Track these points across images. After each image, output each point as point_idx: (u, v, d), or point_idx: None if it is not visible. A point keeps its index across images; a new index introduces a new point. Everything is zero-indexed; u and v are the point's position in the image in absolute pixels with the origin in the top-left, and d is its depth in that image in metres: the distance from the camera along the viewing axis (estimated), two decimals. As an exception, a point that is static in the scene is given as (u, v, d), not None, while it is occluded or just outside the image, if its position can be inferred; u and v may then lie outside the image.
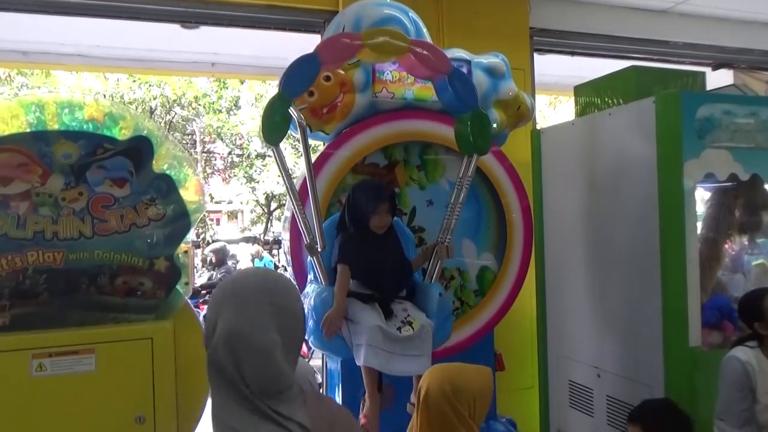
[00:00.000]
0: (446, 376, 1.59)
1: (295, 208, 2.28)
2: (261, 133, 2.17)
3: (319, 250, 2.30)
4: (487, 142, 2.42)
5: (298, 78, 2.16)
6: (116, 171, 2.15)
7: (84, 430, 2.09)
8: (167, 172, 2.24)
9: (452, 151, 2.74)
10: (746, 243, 2.94)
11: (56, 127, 2.15)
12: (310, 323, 2.21)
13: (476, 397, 1.57)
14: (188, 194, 2.28)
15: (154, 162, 2.21)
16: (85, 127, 2.17)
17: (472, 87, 2.44)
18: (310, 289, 2.36)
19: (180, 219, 2.24)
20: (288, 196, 2.29)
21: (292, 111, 2.26)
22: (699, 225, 2.65)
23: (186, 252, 2.32)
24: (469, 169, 2.44)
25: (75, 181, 2.13)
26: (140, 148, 2.17)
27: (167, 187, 2.21)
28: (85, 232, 2.14)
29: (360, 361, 2.12)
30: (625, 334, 2.58)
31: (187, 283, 2.34)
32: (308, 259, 2.40)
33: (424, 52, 2.30)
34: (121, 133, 2.20)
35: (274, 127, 2.14)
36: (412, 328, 2.15)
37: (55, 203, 2.11)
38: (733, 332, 2.56)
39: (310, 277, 2.44)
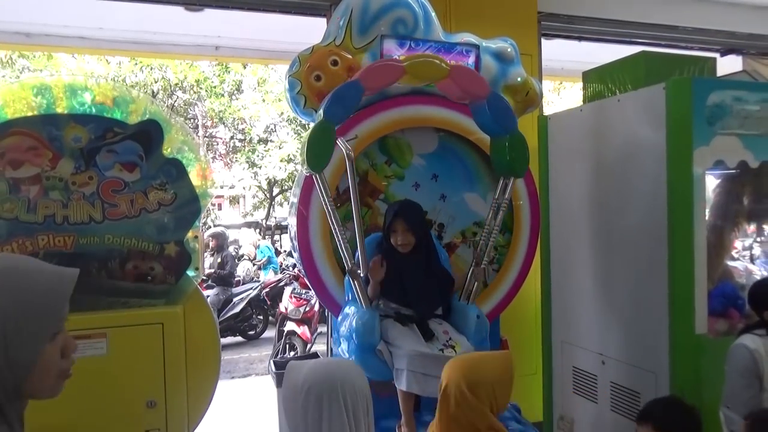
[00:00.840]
0: (463, 371, 1.60)
1: (337, 233, 2.27)
2: (304, 160, 2.19)
3: (361, 275, 2.30)
4: (524, 166, 2.46)
5: (341, 104, 2.18)
6: (126, 155, 2.14)
7: (95, 414, 2.11)
8: (177, 156, 2.23)
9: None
10: (754, 231, 2.94)
11: (63, 110, 2.14)
12: (352, 345, 2.23)
13: (495, 386, 1.58)
14: (197, 179, 2.28)
15: (163, 146, 2.20)
16: (93, 110, 2.16)
17: (510, 111, 2.47)
18: (350, 310, 2.36)
19: (190, 204, 2.23)
20: (330, 222, 2.29)
21: (340, 142, 2.30)
22: (707, 212, 2.64)
23: (196, 237, 2.32)
24: (505, 191, 2.48)
25: (85, 165, 2.12)
26: (150, 132, 2.16)
27: (177, 171, 2.20)
28: (95, 217, 2.13)
29: (402, 386, 2.13)
30: (631, 321, 2.59)
31: (197, 268, 2.35)
32: (346, 279, 2.44)
33: (463, 77, 2.35)
34: (130, 117, 2.18)
35: (317, 153, 2.15)
36: (455, 351, 2.15)
37: (65, 187, 2.11)
38: (739, 320, 2.57)
39: (349, 297, 2.45)
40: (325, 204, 2.25)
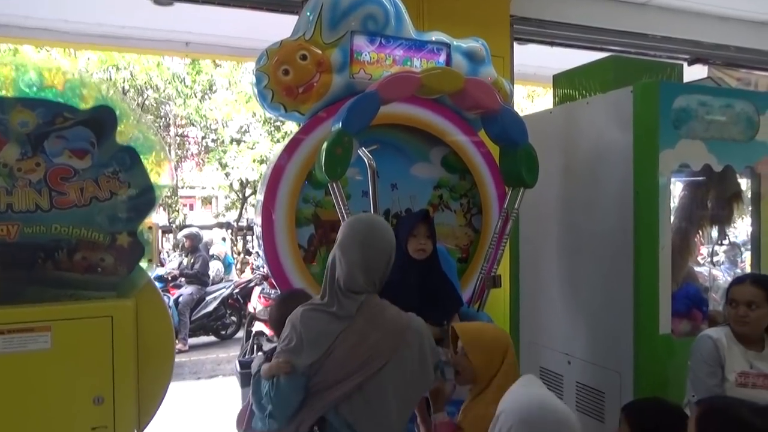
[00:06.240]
0: None
1: None
2: (321, 168, 2.20)
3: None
4: (534, 177, 2.54)
5: (359, 114, 2.24)
6: (76, 141, 2.05)
7: (39, 411, 2.01)
8: (131, 144, 2.14)
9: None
10: (717, 234, 2.97)
11: (12, 94, 2.04)
12: None
13: None
14: (154, 168, 2.19)
15: (117, 133, 2.11)
16: (43, 94, 2.06)
17: (522, 124, 2.52)
18: None
19: (144, 193, 2.15)
20: None
21: (362, 152, 2.34)
22: (672, 215, 2.66)
23: (150, 228, 2.23)
24: (515, 201, 2.58)
25: (32, 151, 2.03)
26: (103, 119, 2.07)
27: (131, 159, 2.12)
28: (42, 205, 2.04)
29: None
30: (596, 322, 2.59)
31: (151, 260, 2.26)
32: None
33: (478, 90, 2.43)
34: (83, 102, 2.09)
35: (335, 161, 2.18)
36: None
37: (10, 174, 2.01)
38: (702, 321, 2.59)
39: None
40: (340, 211, 2.26)
